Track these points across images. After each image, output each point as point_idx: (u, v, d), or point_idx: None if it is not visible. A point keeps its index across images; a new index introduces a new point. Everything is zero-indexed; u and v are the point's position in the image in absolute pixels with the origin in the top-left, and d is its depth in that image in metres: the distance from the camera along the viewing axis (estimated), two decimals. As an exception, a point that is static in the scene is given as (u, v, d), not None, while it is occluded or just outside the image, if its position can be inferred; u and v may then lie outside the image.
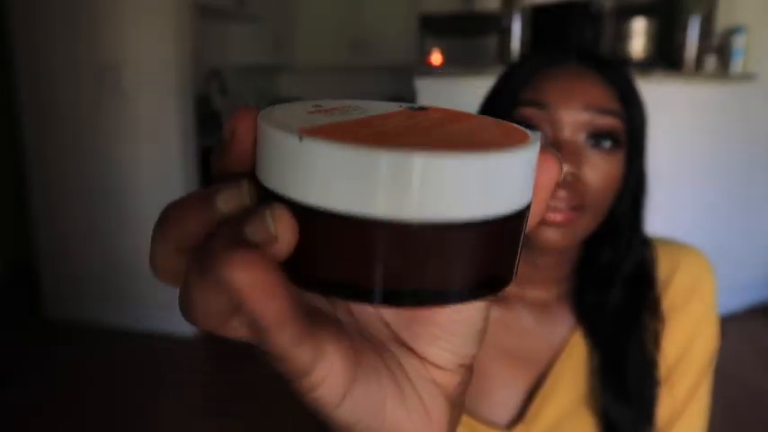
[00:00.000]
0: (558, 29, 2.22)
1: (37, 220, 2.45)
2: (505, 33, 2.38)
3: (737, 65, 2.36)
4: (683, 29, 2.32)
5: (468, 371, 0.20)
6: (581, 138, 0.48)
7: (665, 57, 2.36)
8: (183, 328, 2.34)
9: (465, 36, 3.37)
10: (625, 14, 2.39)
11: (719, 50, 2.37)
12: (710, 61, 2.35)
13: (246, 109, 0.17)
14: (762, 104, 2.50)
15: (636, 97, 0.51)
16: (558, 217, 0.47)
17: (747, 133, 2.51)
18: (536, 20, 2.30)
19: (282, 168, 0.16)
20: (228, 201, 0.16)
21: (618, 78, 0.50)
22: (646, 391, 0.52)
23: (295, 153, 0.15)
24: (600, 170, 0.48)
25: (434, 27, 3.45)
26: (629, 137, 0.50)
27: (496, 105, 0.52)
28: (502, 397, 0.56)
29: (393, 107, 0.20)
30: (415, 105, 0.21)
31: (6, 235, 3.10)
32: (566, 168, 0.46)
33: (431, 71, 2.29)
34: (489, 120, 0.19)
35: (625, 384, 0.51)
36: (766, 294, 2.69)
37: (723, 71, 2.37)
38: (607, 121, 0.48)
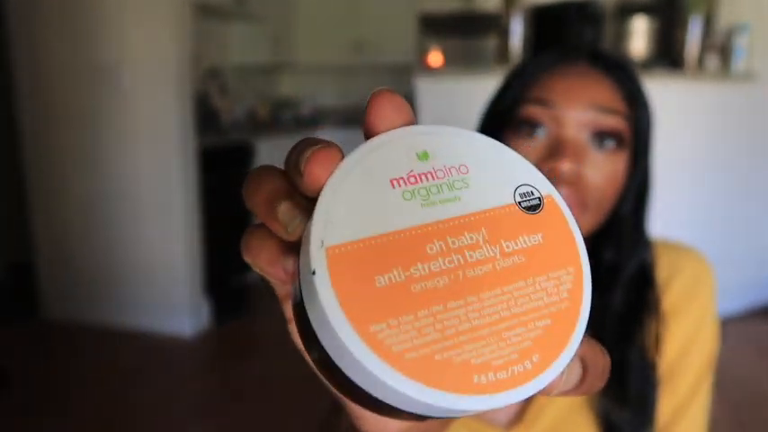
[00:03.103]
0: (558, 29, 2.21)
1: (36, 221, 2.45)
2: (505, 33, 2.38)
3: (739, 64, 2.35)
4: (685, 28, 2.31)
5: None
6: (585, 137, 0.48)
7: (667, 56, 2.35)
8: (183, 328, 2.34)
9: (465, 36, 3.36)
10: (626, 13, 2.38)
11: (721, 50, 2.36)
12: (712, 60, 2.34)
13: (328, 150, 0.16)
14: (763, 104, 2.49)
15: (643, 98, 0.51)
16: None
17: (749, 133, 2.50)
18: (536, 20, 2.29)
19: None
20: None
21: (626, 79, 0.50)
22: (646, 393, 0.51)
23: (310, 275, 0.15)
24: (603, 170, 0.48)
25: (434, 27, 3.44)
26: (634, 137, 0.50)
27: (503, 103, 0.52)
28: None
29: (507, 196, 0.18)
30: (534, 197, 0.18)
31: (6, 235, 3.10)
32: (568, 166, 0.46)
33: (431, 71, 2.29)
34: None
35: (625, 386, 0.51)
36: (766, 295, 2.69)
37: (725, 70, 2.36)
38: (612, 121, 0.48)
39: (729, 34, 2.36)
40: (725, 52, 2.36)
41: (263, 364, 2.16)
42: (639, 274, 0.53)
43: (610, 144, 0.48)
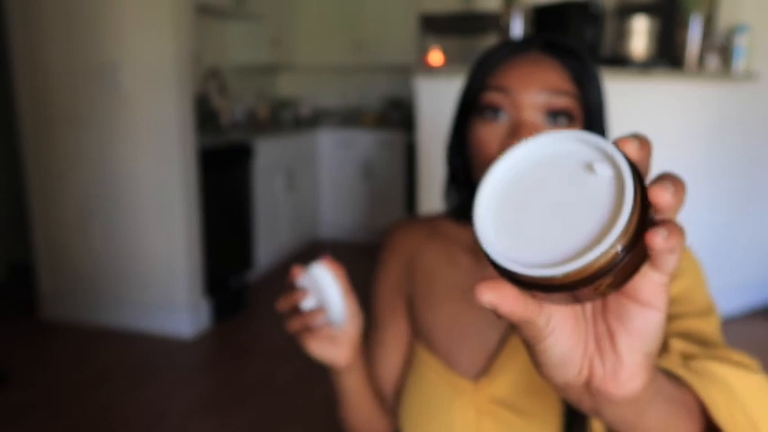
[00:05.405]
0: (558, 28, 2.21)
1: (35, 222, 2.44)
2: (505, 33, 2.37)
3: (740, 64, 2.35)
4: (685, 28, 2.31)
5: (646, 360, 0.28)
6: (540, 117, 0.55)
7: (667, 56, 2.35)
8: (183, 328, 2.34)
9: (465, 36, 3.36)
10: (626, 13, 2.38)
11: (721, 50, 2.36)
12: (712, 60, 2.34)
13: None
14: (764, 104, 2.49)
15: (590, 77, 0.57)
16: None
17: (749, 133, 2.50)
18: (536, 19, 2.29)
19: None
20: None
21: (574, 62, 0.57)
22: None
23: None
24: None
25: (434, 27, 3.44)
26: (585, 112, 0.57)
27: (469, 91, 0.60)
28: (476, 345, 0.62)
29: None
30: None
31: (5, 236, 3.10)
32: None
33: (431, 70, 2.29)
34: None
35: None
36: (766, 295, 2.69)
37: (725, 70, 2.36)
38: (562, 101, 0.55)
39: (729, 34, 2.36)
40: (725, 52, 2.36)
41: (263, 363, 2.16)
42: None
43: (562, 121, 0.55)
